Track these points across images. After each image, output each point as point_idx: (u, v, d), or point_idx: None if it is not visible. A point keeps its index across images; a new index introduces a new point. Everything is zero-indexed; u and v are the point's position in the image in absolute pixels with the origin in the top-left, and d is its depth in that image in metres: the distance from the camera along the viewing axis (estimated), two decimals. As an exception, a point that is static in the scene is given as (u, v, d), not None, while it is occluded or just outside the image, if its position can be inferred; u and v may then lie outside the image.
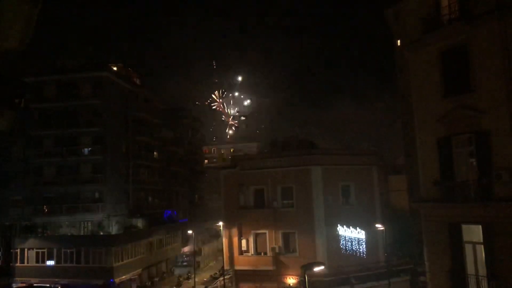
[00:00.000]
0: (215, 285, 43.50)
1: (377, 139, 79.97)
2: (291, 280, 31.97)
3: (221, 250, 39.42)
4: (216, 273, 49.16)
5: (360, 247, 30.40)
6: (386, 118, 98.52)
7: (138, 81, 56.01)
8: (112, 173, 45.86)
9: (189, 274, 48.95)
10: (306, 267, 14.82)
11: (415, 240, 31.48)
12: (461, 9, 16.17)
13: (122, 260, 41.37)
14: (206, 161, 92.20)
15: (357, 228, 30.63)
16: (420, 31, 17.50)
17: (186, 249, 58.54)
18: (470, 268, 15.61)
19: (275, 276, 32.42)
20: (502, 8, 14.84)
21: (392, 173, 42.91)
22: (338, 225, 31.17)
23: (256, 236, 34.01)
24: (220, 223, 36.57)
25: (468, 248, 15.82)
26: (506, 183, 14.43)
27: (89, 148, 45.77)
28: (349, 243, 30.51)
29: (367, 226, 31.07)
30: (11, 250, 42.07)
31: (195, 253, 47.67)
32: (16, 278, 41.17)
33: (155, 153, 56.12)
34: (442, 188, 16.35)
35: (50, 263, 41.23)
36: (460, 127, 16.11)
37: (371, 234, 31.33)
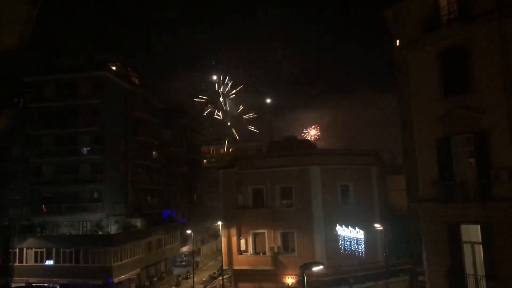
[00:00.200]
0: (214, 284, 43.57)
1: (376, 139, 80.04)
2: (290, 280, 31.98)
3: (220, 250, 39.38)
4: (215, 273, 49.14)
5: (359, 247, 30.48)
6: (385, 118, 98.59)
7: (137, 81, 55.91)
8: (111, 173, 45.82)
9: (188, 274, 48.96)
10: (305, 267, 14.80)
11: (414, 240, 31.53)
12: (460, 9, 16.19)
13: (121, 260, 41.32)
14: (205, 161, 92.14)
15: (356, 228, 30.70)
16: (419, 31, 17.52)
17: (185, 248, 58.59)
18: (468, 268, 15.64)
19: (274, 275, 32.43)
20: (502, 8, 14.85)
21: (391, 173, 42.91)
22: (337, 224, 31.21)
23: (255, 235, 34.04)
24: (219, 223, 36.60)
25: (466, 248, 15.85)
26: (505, 183, 14.45)
27: (88, 148, 45.66)
28: (348, 243, 30.56)
29: (366, 226, 31.13)
30: (10, 250, 41.92)
31: (194, 252, 47.66)
32: (15, 278, 41.03)
33: (154, 152, 56.06)
34: (441, 188, 16.36)
35: (49, 262, 41.15)
36: (459, 127, 16.13)
37: (370, 234, 31.39)
